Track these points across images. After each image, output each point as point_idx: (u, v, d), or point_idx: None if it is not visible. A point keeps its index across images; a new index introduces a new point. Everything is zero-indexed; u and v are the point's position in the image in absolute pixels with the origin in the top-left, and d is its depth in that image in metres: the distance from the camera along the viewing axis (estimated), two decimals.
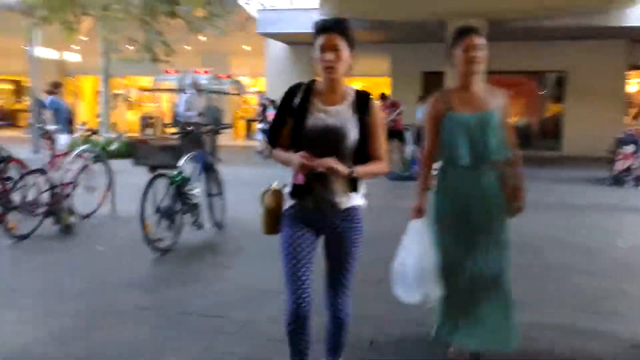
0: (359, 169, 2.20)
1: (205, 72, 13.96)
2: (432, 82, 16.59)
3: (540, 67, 16.50)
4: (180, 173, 5.14)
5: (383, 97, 12.12)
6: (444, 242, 2.74)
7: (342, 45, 2.16)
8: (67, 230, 5.57)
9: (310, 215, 2.29)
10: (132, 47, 11.95)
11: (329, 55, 2.14)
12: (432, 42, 14.99)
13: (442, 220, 2.76)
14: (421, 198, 2.78)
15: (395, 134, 11.21)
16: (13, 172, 6.01)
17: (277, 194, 2.35)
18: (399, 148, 11.36)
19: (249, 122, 19.83)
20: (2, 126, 16.75)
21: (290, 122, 2.26)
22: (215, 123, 7.69)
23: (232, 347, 3.07)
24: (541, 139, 16.95)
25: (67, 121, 8.28)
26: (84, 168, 6.21)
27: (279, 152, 2.29)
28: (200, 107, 8.75)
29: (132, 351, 3.03)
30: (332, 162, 2.10)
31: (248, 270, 4.57)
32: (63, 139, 6.99)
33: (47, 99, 8.51)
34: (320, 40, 2.18)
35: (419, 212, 2.76)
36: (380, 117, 2.36)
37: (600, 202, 8.42)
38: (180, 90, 9.86)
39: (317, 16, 15.05)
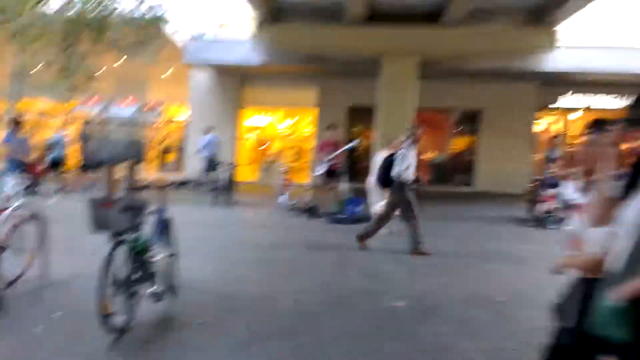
0: None
1: (128, 101, 12.71)
2: (358, 115, 16.82)
3: (463, 104, 17.21)
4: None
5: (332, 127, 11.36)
6: None
7: None
8: None
9: None
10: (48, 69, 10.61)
11: None
12: (362, 77, 15.10)
13: None
14: None
15: (333, 173, 10.82)
16: None
17: None
18: (336, 187, 10.92)
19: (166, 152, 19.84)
20: None
21: None
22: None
23: None
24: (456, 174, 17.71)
25: None
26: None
27: None
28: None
29: None
30: None
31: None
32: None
33: None
34: None
35: None
36: None
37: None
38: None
39: (248, 47, 14.56)
